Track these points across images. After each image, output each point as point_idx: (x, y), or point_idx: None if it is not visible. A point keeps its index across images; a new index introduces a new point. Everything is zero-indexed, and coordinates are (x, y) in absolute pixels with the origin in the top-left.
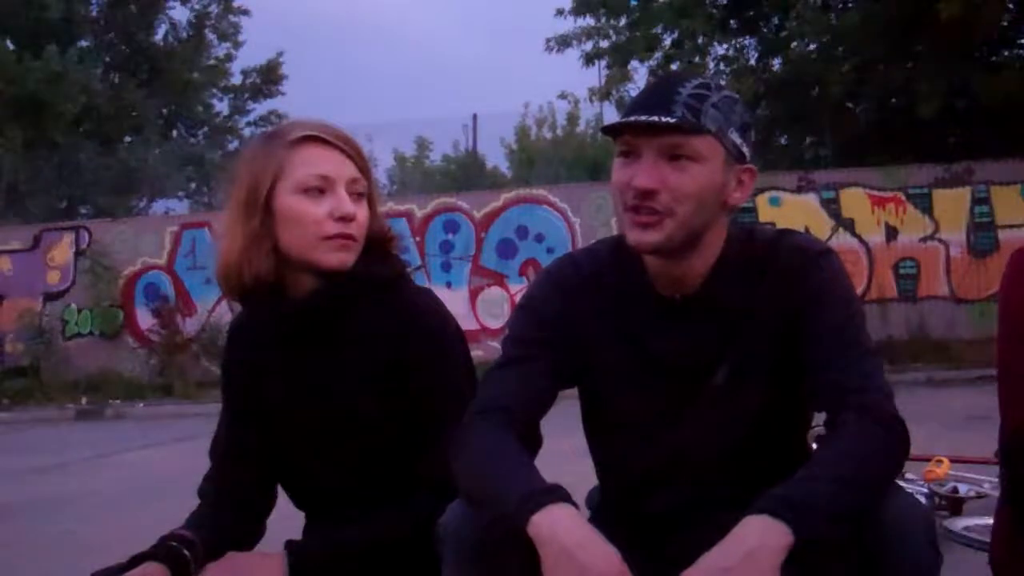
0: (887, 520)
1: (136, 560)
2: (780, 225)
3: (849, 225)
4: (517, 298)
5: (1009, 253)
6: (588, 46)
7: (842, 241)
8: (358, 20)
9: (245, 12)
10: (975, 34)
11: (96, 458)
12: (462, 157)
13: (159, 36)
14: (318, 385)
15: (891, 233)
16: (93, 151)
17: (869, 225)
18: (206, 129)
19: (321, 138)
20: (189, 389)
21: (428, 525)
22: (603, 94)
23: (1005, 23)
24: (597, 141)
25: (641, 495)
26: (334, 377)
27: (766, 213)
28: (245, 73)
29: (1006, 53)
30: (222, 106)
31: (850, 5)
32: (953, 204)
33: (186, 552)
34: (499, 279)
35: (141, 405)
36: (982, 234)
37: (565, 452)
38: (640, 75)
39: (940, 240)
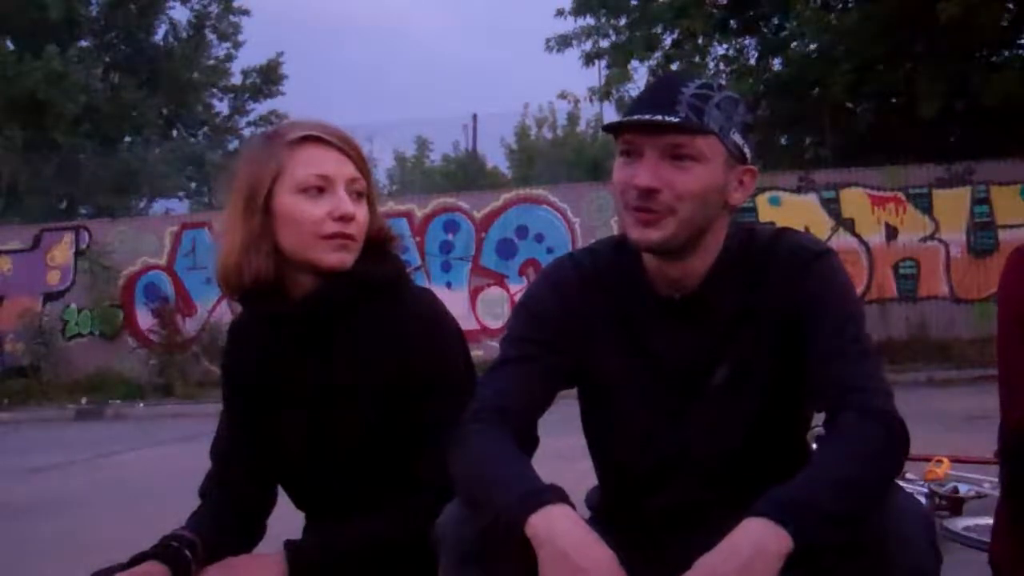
0: (887, 520)
1: (137, 560)
2: (780, 225)
3: (849, 225)
4: (517, 298)
5: (1009, 253)
6: (588, 46)
7: (842, 241)
8: (358, 20)
9: (245, 12)
10: (975, 34)
11: (96, 458)
12: (462, 157)
13: (159, 36)
14: (318, 385)
15: (891, 233)
16: (93, 151)
17: (869, 225)
18: (206, 129)
19: (320, 138)
20: (189, 389)
21: (426, 526)
22: (603, 94)
23: (1005, 23)
24: (597, 141)
25: (640, 495)
26: (334, 377)
27: (766, 213)
28: (245, 73)
29: (1006, 53)
30: (222, 106)
31: (850, 5)
32: (953, 204)
33: (187, 552)
34: (499, 279)
35: (141, 405)
36: (982, 234)
37: (564, 452)
38: (640, 75)
39: (940, 240)
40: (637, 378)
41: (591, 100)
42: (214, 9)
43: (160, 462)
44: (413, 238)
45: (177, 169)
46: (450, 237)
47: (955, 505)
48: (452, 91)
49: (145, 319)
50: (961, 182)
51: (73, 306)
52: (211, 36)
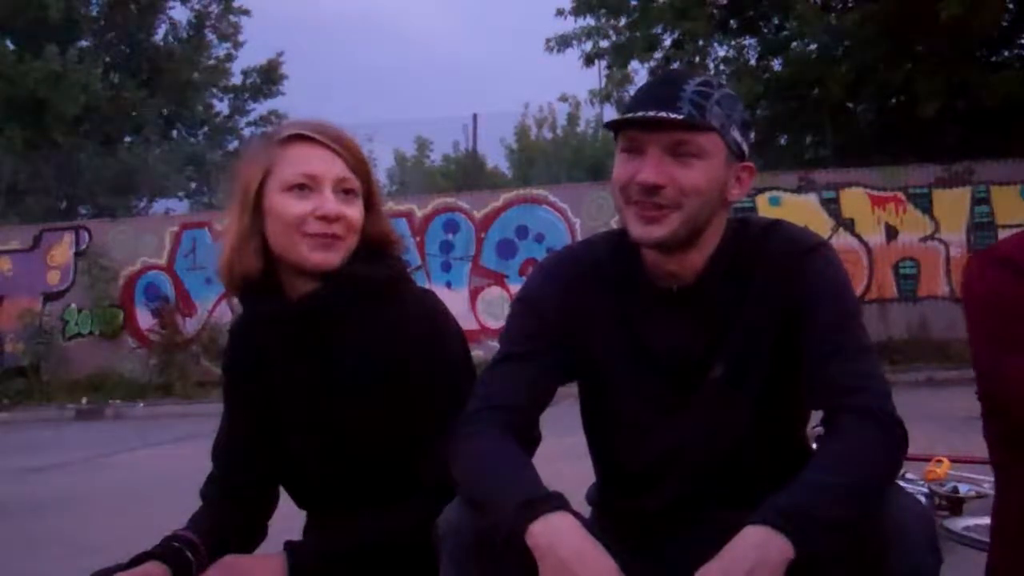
0: (887, 521)
1: (138, 560)
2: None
3: (849, 225)
4: None
5: (969, 259)
6: (588, 46)
7: (842, 241)
8: (358, 20)
9: (245, 12)
10: (975, 34)
11: (96, 458)
12: (462, 157)
13: (159, 36)
14: (318, 386)
15: (891, 233)
16: (93, 151)
17: (869, 225)
18: (206, 129)
19: (309, 137)
20: (189, 389)
21: (427, 525)
22: (604, 95)
23: (1005, 23)
24: (597, 141)
25: (639, 491)
26: (334, 378)
27: (766, 213)
28: (245, 73)
29: (1006, 53)
30: (222, 106)
31: (850, 5)
32: (953, 204)
33: (188, 553)
34: (499, 279)
35: (141, 405)
36: (982, 234)
37: (564, 450)
38: (640, 76)
39: (940, 240)
40: (635, 373)
41: (592, 103)
42: (214, 9)
43: (160, 462)
44: (413, 238)
45: (177, 169)
46: (450, 237)
47: (955, 505)
48: (452, 91)
49: (145, 319)
50: (961, 182)
51: (73, 306)
52: (211, 36)
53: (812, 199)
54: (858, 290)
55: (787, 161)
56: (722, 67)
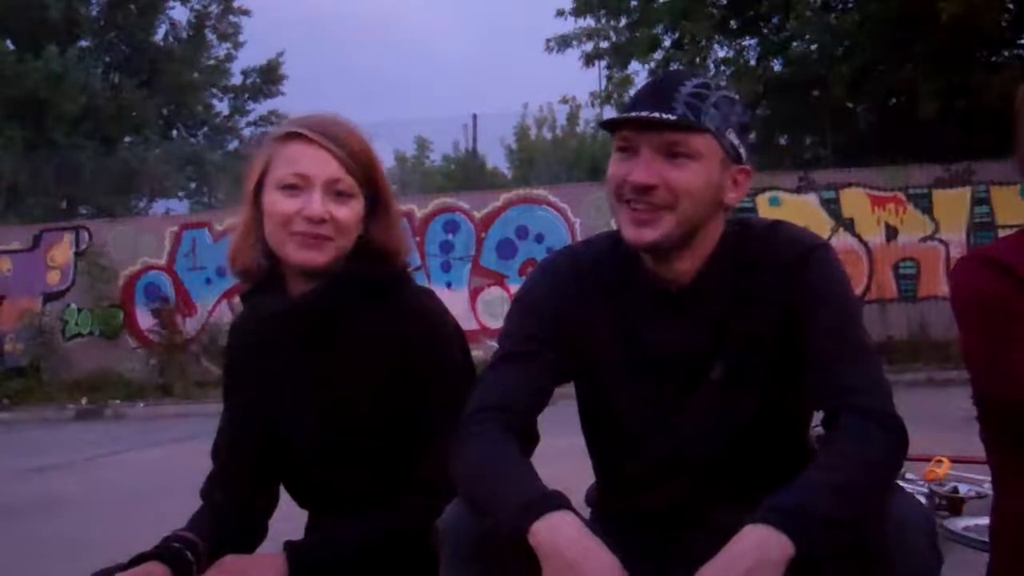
0: (888, 521)
1: (138, 560)
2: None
3: (849, 225)
4: None
5: (956, 265)
6: (588, 47)
7: (842, 241)
8: (358, 20)
9: (245, 12)
10: (975, 34)
11: (96, 458)
12: (462, 157)
13: (159, 36)
14: (318, 386)
15: (891, 233)
16: (93, 151)
17: (869, 225)
18: (206, 129)
19: (303, 135)
20: (189, 389)
21: (427, 525)
22: (605, 97)
23: (1005, 23)
24: (597, 141)
25: (639, 491)
26: (333, 377)
27: (766, 213)
28: (245, 73)
29: (1006, 53)
30: (222, 106)
31: (850, 5)
32: (953, 204)
33: (188, 553)
34: (499, 279)
35: (141, 405)
36: (982, 234)
37: (563, 450)
38: (641, 77)
39: (940, 240)
40: (634, 373)
41: (592, 105)
42: (214, 9)
43: (160, 462)
44: (413, 238)
45: (177, 169)
46: (450, 237)
47: (955, 505)
48: (452, 91)
49: (145, 319)
50: (961, 182)
51: (73, 306)
52: (211, 36)
53: (812, 199)
54: (858, 290)
55: (787, 161)
56: (722, 67)
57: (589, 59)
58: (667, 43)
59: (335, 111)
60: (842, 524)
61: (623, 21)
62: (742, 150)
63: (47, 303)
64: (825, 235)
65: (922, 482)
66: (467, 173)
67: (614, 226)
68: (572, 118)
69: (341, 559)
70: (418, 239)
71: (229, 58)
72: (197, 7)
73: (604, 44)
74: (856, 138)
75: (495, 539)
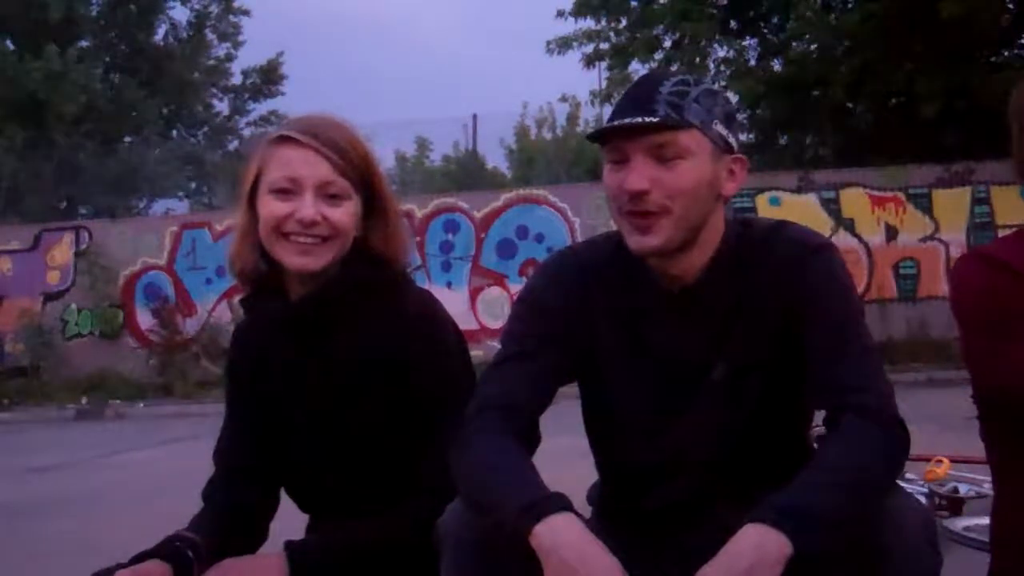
0: (887, 521)
1: (139, 558)
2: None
3: (849, 225)
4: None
5: (955, 266)
6: (589, 48)
7: (842, 241)
8: (359, 20)
9: (245, 12)
10: (975, 34)
11: (96, 458)
12: (462, 157)
13: (159, 36)
14: (318, 387)
15: (891, 233)
16: (93, 151)
17: (869, 225)
18: (206, 129)
19: (294, 139)
20: (189, 389)
21: (428, 526)
22: (605, 96)
23: (1005, 23)
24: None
25: (641, 491)
26: (334, 379)
27: (766, 213)
28: (245, 73)
29: (1006, 53)
30: (222, 106)
31: (850, 5)
32: (953, 204)
33: (189, 553)
34: (499, 279)
35: (141, 405)
36: (982, 234)
37: (564, 450)
38: None
39: (940, 240)
40: (637, 373)
41: (592, 104)
42: (214, 9)
43: (160, 462)
44: (413, 238)
45: (177, 169)
46: (450, 237)
47: (955, 505)
48: (452, 91)
49: (145, 319)
50: (961, 182)
51: (73, 306)
52: (211, 36)
53: (812, 199)
54: (858, 290)
55: (787, 161)
56: (722, 68)
57: (590, 61)
58: (667, 44)
59: (335, 111)
60: (841, 524)
61: (623, 22)
62: (731, 139)
63: (47, 303)
64: (825, 235)
65: (922, 482)
66: (467, 173)
67: (614, 226)
68: (572, 118)
69: (341, 560)
70: (418, 239)
71: (229, 58)
72: (197, 7)
73: (604, 45)
74: (856, 138)
75: (496, 540)
